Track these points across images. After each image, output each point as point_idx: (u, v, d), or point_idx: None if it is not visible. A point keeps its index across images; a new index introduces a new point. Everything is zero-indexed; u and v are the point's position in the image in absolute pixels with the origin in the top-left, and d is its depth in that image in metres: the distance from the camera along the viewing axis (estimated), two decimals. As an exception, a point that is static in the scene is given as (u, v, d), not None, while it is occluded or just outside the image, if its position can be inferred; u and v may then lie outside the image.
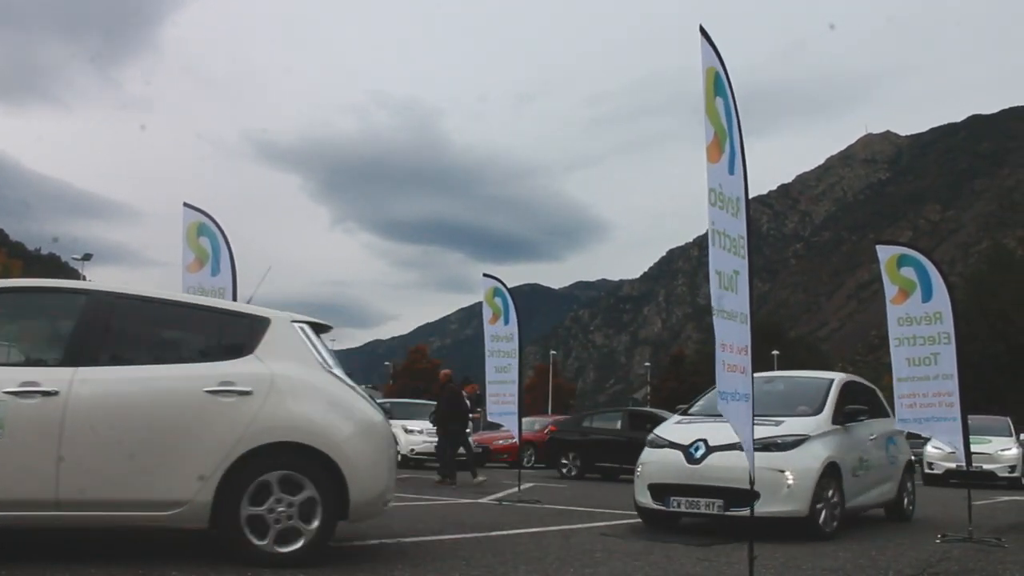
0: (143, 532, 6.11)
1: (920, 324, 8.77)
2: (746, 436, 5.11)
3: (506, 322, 12.50)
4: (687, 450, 8.04)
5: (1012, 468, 19.27)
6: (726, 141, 5.05)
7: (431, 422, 17.04)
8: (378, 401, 10.09)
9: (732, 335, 4.98)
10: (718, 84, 5.06)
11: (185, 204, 9.40)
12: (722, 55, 5.11)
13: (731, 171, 5.08)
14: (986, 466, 18.24)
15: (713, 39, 5.05)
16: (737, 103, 5.14)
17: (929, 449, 20.08)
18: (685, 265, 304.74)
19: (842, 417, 8.66)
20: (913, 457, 11.20)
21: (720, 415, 7.16)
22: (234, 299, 9.11)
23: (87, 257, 51.70)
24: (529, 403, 51.22)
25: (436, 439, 16.11)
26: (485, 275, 12.82)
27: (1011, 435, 20.49)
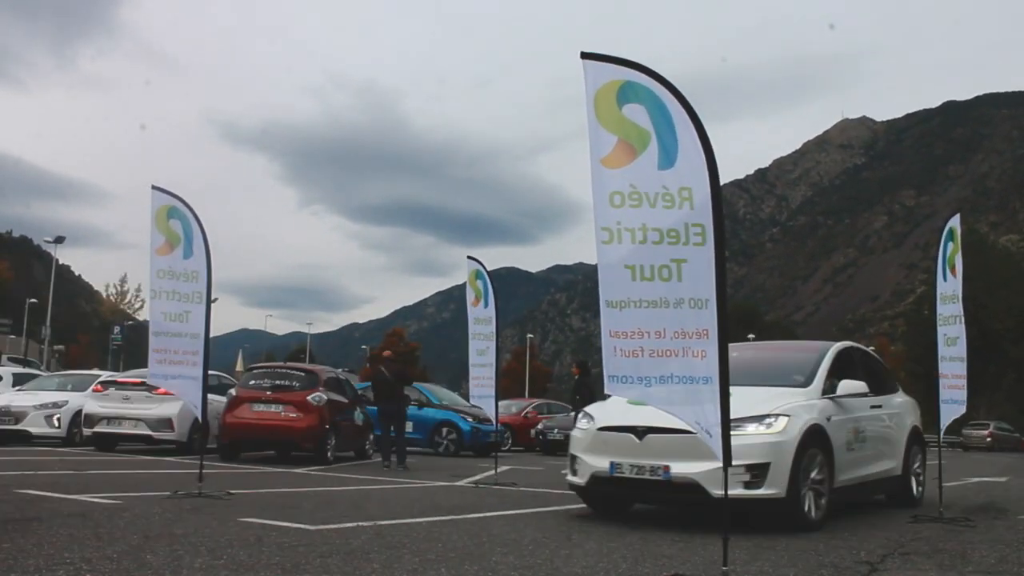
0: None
1: (948, 303, 8.77)
2: (717, 416, 5.12)
3: (486, 305, 12.48)
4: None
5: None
6: (648, 140, 5.07)
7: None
8: None
9: (683, 321, 5.01)
10: (627, 94, 5.08)
11: (154, 187, 9.27)
12: (635, 60, 5.11)
13: (666, 165, 5.08)
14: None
15: (608, 53, 5.12)
16: (680, 94, 5.09)
17: None
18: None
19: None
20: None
21: None
22: (208, 282, 9.04)
23: (60, 240, 51.27)
24: (507, 386, 51.33)
25: None
26: (469, 257, 12.81)
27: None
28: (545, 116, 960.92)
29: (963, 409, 8.82)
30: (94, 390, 15.99)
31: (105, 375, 18.36)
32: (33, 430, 16.06)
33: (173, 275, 8.95)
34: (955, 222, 8.93)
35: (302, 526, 6.38)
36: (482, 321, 12.49)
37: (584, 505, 8.53)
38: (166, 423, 14.90)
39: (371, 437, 16.93)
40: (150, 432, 14.98)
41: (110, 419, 15.16)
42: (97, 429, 15.28)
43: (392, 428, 14.70)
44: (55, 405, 16.40)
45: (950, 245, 8.77)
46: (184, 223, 9.12)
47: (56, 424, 16.22)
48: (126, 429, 15.11)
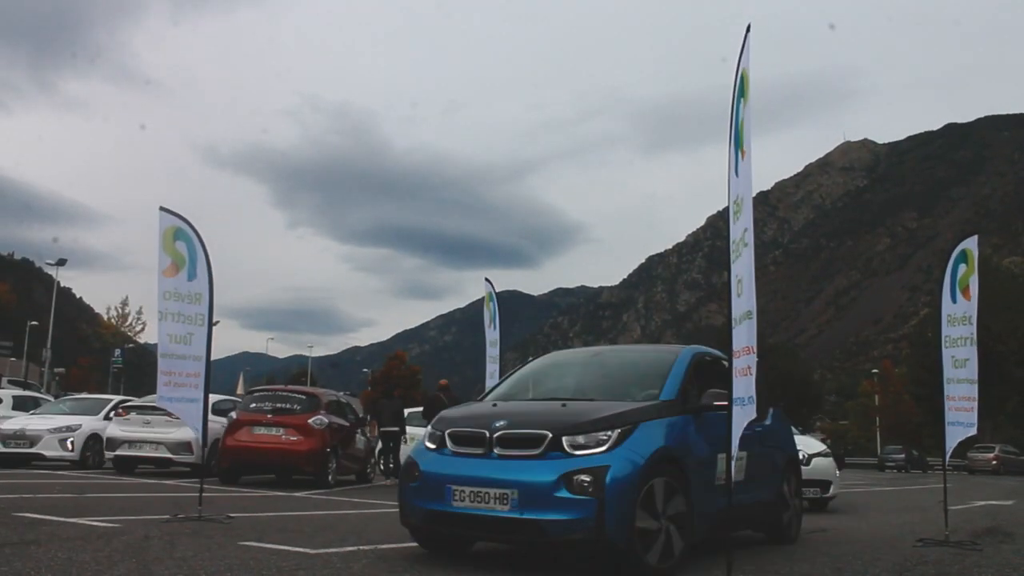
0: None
1: (957, 325, 8.70)
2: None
3: (494, 328, 12.60)
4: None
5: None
6: (740, 144, 5.06)
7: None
8: None
9: (741, 339, 4.96)
10: (741, 89, 5.05)
11: (161, 208, 9.29)
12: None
13: (734, 174, 5.08)
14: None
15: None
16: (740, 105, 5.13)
17: None
18: (664, 272, 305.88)
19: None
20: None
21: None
22: (210, 304, 9.05)
23: (61, 262, 51.33)
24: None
25: None
26: (487, 279, 13.02)
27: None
28: (525, 140, 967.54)
29: (974, 431, 8.71)
30: (116, 414, 16.52)
31: (116, 399, 19.04)
32: (47, 453, 16.32)
33: (179, 297, 8.95)
34: (971, 244, 8.85)
35: (303, 550, 6.33)
36: (493, 343, 12.61)
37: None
38: (185, 446, 15.09)
39: (372, 461, 17.06)
40: (170, 455, 15.27)
41: (131, 443, 15.45)
42: (119, 452, 15.57)
43: None
44: (68, 429, 16.67)
45: (962, 267, 8.72)
46: (189, 245, 9.14)
47: (70, 447, 16.49)
48: (147, 452, 15.45)
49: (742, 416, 5.01)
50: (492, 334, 12.61)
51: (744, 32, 4.97)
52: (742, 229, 4.98)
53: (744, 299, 4.93)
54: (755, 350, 4.90)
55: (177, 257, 9.09)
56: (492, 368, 12.46)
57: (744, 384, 4.95)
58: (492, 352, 12.55)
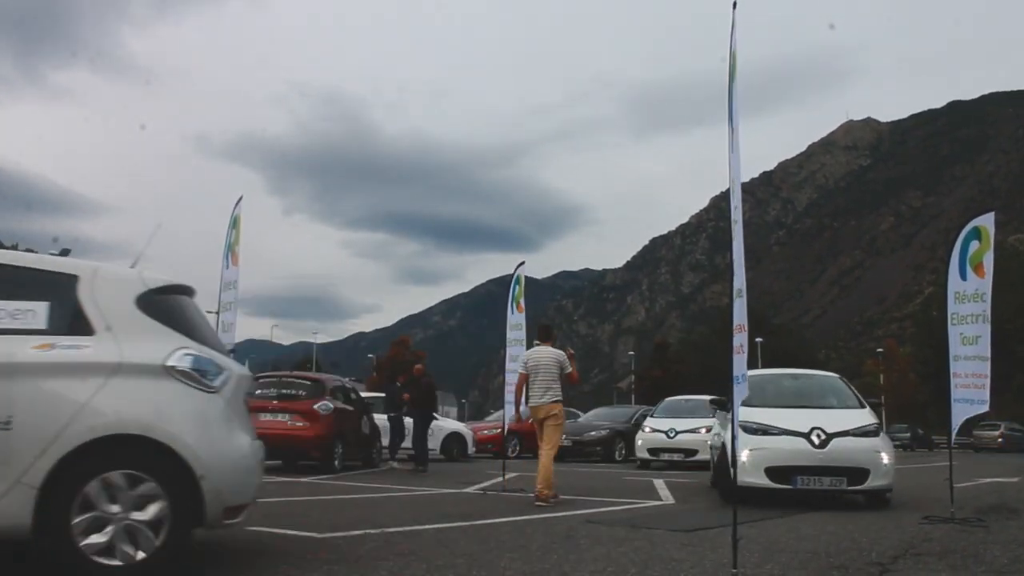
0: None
1: (967, 302, 8.65)
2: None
3: (511, 312, 12.69)
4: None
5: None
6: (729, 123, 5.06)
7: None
8: None
9: (740, 316, 4.97)
10: (733, 72, 5.05)
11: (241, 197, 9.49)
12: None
13: (731, 150, 5.07)
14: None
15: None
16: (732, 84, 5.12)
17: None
18: (668, 254, 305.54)
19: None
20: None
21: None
22: (220, 291, 9.23)
23: (65, 252, 51.37)
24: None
25: None
26: (522, 263, 13.14)
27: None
28: (517, 124, 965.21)
29: (985, 407, 8.63)
30: None
31: None
32: None
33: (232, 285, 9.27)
34: (986, 221, 8.78)
35: (310, 534, 6.36)
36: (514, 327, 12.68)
37: (592, 511, 8.51)
38: None
39: (377, 445, 17.06)
40: None
41: None
42: None
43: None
44: None
45: (974, 244, 8.66)
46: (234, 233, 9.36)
47: None
48: None
49: (740, 394, 5.08)
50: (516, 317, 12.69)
51: (731, 9, 4.97)
52: (733, 206, 5.00)
53: (735, 277, 4.97)
54: (745, 328, 4.93)
55: (236, 244, 9.32)
56: (514, 351, 12.44)
57: (738, 362, 5.00)
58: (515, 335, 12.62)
